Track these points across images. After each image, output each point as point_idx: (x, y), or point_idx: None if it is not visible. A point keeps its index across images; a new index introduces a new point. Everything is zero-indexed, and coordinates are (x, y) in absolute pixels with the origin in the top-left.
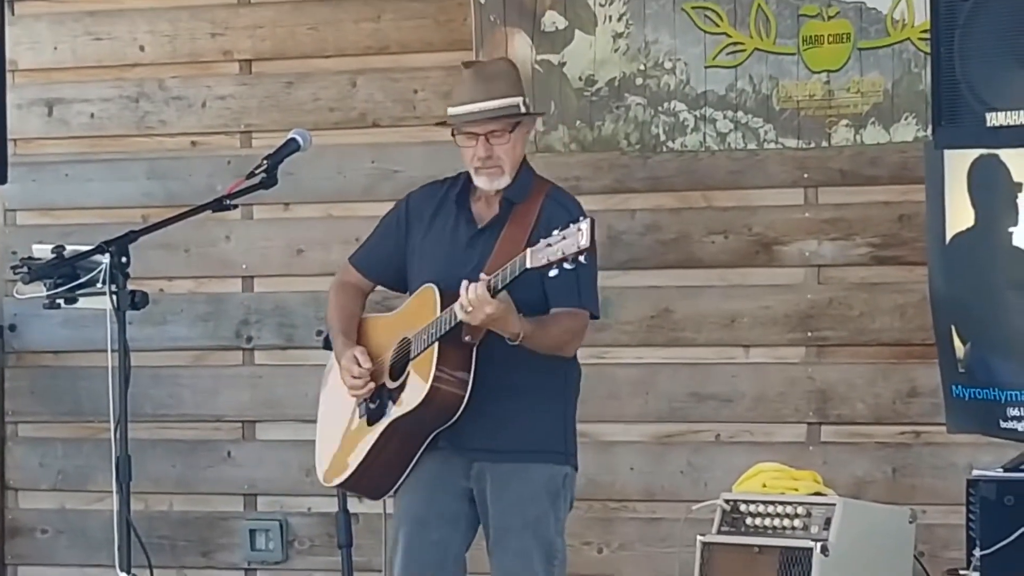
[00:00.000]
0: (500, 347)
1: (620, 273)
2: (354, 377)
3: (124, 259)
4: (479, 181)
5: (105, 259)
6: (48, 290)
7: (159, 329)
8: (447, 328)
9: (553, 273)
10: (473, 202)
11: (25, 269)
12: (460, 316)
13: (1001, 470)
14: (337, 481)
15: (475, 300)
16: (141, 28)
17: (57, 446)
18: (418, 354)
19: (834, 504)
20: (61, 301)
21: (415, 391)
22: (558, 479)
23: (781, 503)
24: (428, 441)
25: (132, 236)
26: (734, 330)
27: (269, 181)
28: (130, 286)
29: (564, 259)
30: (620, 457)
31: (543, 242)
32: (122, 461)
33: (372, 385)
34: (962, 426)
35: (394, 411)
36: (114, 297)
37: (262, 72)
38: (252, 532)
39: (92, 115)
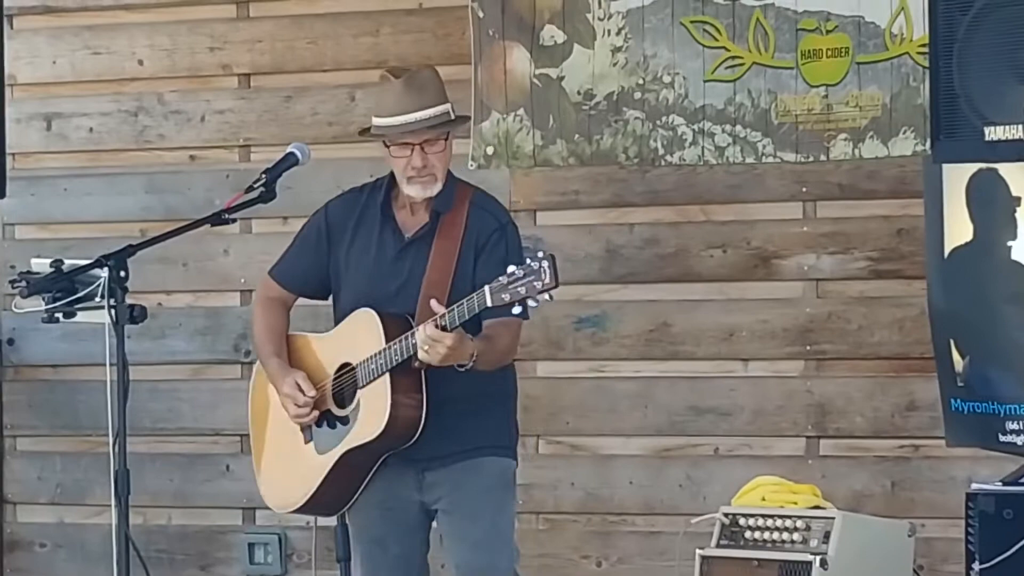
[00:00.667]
0: None
1: (619, 287)
2: (298, 406)
3: (123, 273)
4: (411, 190)
5: (104, 273)
6: (47, 304)
7: (157, 343)
8: (399, 360)
9: (517, 310)
10: (397, 210)
11: (24, 283)
12: (422, 356)
13: (1000, 484)
14: (290, 510)
15: (429, 339)
16: (140, 42)
17: (55, 460)
18: (368, 383)
19: (833, 518)
20: (60, 315)
21: (372, 421)
22: (508, 472)
23: (780, 517)
24: (380, 460)
25: (131, 250)
26: (733, 344)
27: (268, 195)
28: (129, 300)
29: (528, 297)
30: (619, 471)
31: (503, 279)
32: (120, 475)
33: (316, 413)
34: (961, 440)
35: (349, 440)
36: (112, 311)
37: (261, 86)
38: (251, 546)
39: (91, 129)
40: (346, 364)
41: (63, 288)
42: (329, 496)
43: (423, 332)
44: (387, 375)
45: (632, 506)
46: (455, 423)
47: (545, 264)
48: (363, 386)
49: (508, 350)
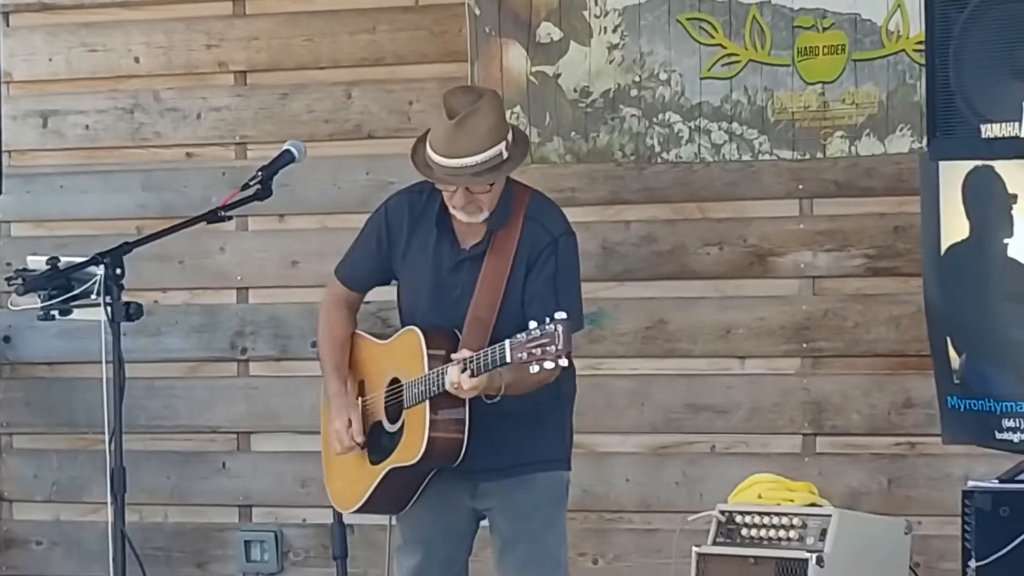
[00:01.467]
0: None
1: (615, 284)
2: (342, 444)
3: (119, 270)
4: (458, 215)
5: (100, 270)
6: (43, 301)
7: (154, 340)
8: (436, 392)
9: (534, 369)
10: (454, 219)
11: (20, 280)
12: (452, 391)
13: (996, 481)
14: (351, 511)
15: (460, 384)
16: (136, 39)
17: (52, 457)
18: (411, 405)
19: (830, 515)
20: (56, 312)
21: (413, 445)
22: (561, 485)
23: (776, 514)
24: (433, 472)
25: (127, 247)
26: (729, 341)
27: (264, 192)
28: (125, 297)
29: (544, 359)
30: (615, 468)
31: (522, 336)
32: (117, 472)
33: (357, 450)
34: (957, 437)
35: (393, 459)
36: (109, 308)
37: (257, 83)
38: (247, 543)
39: (87, 126)
40: (396, 380)
41: (59, 285)
42: (383, 502)
43: (454, 376)
44: (428, 404)
45: (629, 504)
46: (509, 436)
47: (559, 329)
48: (407, 407)
49: (546, 376)
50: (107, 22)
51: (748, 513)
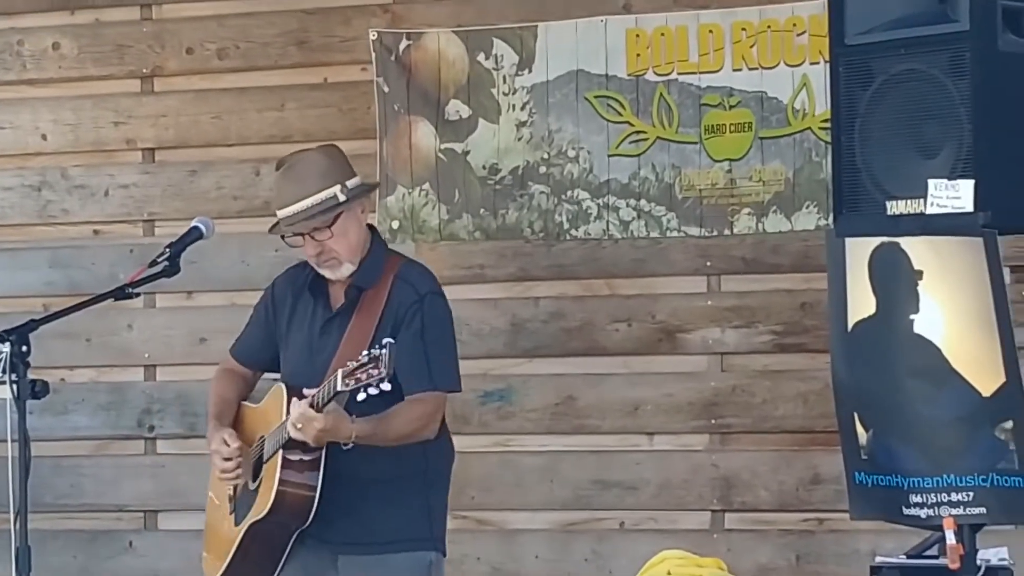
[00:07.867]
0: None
1: (524, 361)
2: (224, 459)
3: (24, 348)
4: (323, 272)
5: (5, 348)
6: None
7: (60, 419)
8: (287, 437)
9: (361, 397)
10: (329, 286)
11: None
12: (293, 434)
13: (904, 556)
14: None
15: (301, 418)
16: (44, 116)
17: None
18: (269, 458)
19: None
20: None
21: (264, 497)
22: (424, 566)
23: None
24: (294, 538)
25: (33, 325)
26: (638, 417)
27: (171, 269)
28: (31, 375)
29: (368, 384)
30: (525, 545)
31: (352, 363)
32: (22, 552)
33: (240, 478)
34: (865, 513)
35: (250, 516)
36: (14, 386)
37: (165, 160)
38: None
39: None
40: (262, 437)
41: None
42: (246, 570)
43: (295, 410)
44: (280, 453)
45: None
46: (368, 508)
47: (384, 352)
48: (266, 461)
49: (413, 427)
50: (14, 99)
51: None
